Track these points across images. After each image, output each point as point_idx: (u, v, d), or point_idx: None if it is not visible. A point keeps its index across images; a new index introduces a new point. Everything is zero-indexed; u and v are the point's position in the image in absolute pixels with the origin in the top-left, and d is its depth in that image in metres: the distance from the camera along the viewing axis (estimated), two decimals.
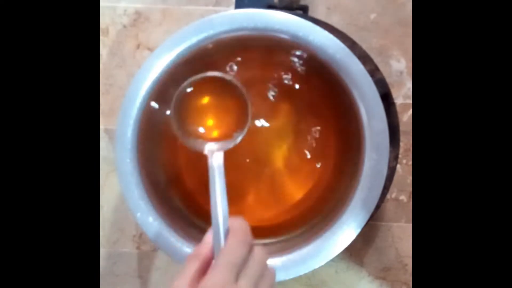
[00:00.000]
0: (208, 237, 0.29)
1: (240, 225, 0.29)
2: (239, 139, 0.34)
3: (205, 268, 0.28)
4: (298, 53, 0.39)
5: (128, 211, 0.37)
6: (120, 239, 0.50)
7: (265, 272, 0.29)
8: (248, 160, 0.43)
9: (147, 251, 0.50)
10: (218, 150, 0.33)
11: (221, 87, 0.35)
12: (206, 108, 0.35)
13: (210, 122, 0.35)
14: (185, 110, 0.34)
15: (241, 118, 0.34)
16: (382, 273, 0.48)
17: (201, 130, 0.35)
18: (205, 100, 0.35)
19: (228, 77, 0.35)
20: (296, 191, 0.44)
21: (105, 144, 0.49)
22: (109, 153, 0.49)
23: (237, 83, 0.34)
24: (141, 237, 0.49)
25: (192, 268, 0.28)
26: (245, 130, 0.34)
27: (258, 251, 0.29)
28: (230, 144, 0.34)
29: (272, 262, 0.37)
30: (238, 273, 0.27)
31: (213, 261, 0.28)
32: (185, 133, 0.34)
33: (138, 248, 0.50)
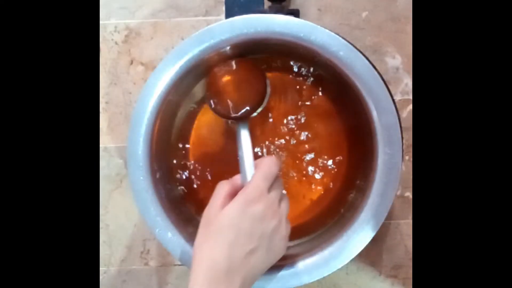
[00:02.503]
0: (237, 176, 0.36)
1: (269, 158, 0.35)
2: (260, 109, 0.40)
3: (234, 192, 0.34)
4: (301, 53, 0.39)
5: (147, 227, 0.37)
6: (128, 256, 0.49)
7: (284, 196, 0.36)
8: None
9: (155, 267, 0.49)
10: (244, 119, 0.39)
11: (244, 67, 0.40)
12: (233, 86, 0.40)
13: (236, 96, 0.40)
14: (216, 87, 0.40)
15: (261, 91, 0.40)
16: (393, 271, 0.48)
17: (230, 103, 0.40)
18: (232, 78, 0.40)
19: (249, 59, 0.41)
20: (311, 192, 0.44)
21: (106, 163, 0.49)
22: (110, 171, 0.49)
23: (257, 65, 0.41)
24: (148, 253, 0.49)
25: (225, 189, 0.34)
26: (265, 102, 0.40)
27: (279, 179, 0.36)
28: (254, 112, 0.40)
29: (295, 266, 0.37)
30: (269, 186, 0.34)
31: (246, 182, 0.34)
32: (217, 105, 0.40)
33: (146, 264, 0.49)
